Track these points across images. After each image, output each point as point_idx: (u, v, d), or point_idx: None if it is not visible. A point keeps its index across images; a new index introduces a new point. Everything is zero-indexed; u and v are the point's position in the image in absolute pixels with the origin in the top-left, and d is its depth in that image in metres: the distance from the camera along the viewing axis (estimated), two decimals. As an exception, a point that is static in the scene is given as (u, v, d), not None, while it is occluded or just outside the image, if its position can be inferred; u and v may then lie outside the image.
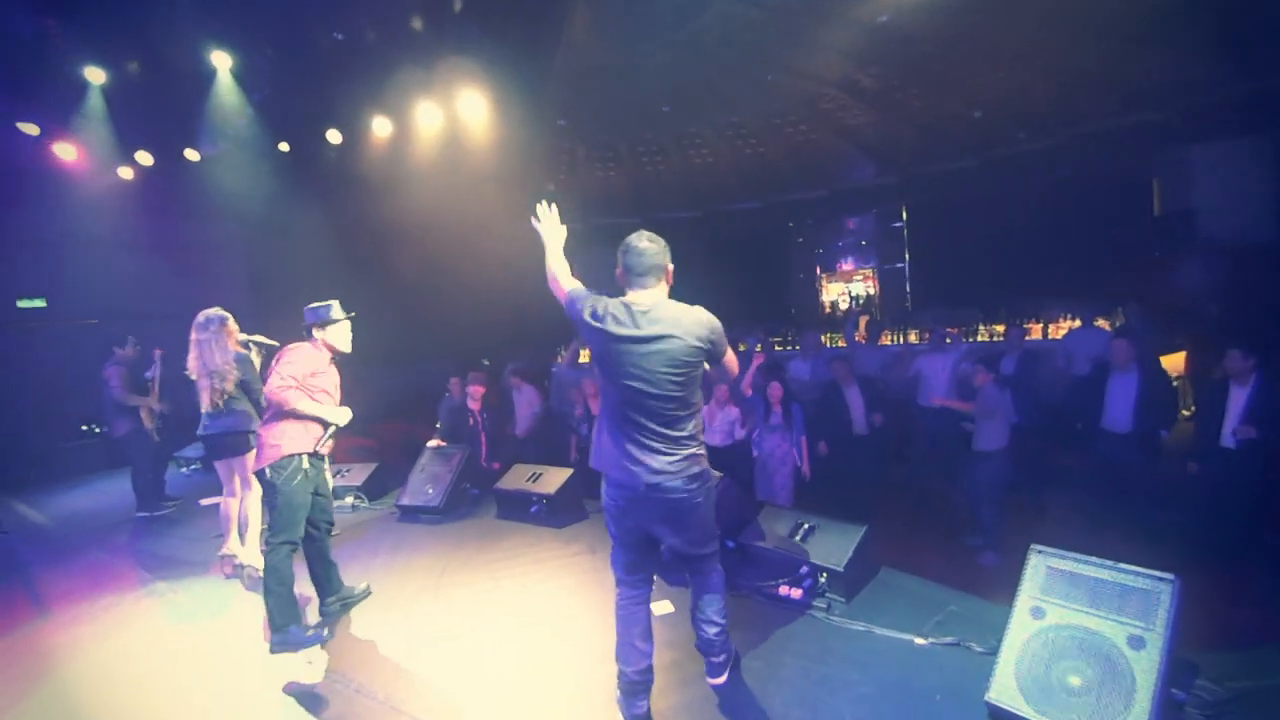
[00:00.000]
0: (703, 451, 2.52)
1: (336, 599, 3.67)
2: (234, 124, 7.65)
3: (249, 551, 4.24)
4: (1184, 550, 3.30)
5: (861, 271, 15.84)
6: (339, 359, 3.65)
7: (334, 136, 8.48)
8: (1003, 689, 2.36)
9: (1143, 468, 4.61)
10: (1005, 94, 8.89)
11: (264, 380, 3.60)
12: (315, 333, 3.52)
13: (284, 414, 3.34)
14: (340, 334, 3.57)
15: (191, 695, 2.97)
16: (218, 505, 4.49)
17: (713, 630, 2.61)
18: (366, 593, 3.83)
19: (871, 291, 15.50)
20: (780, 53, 8.17)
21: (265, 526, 3.43)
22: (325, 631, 3.33)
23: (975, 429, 4.96)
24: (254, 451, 4.13)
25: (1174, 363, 7.71)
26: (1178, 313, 7.57)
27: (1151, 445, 4.70)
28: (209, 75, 7.00)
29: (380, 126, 8.32)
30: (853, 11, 6.80)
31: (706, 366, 2.50)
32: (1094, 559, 2.45)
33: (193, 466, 7.58)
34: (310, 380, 3.45)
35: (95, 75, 6.75)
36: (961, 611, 3.20)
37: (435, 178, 9.06)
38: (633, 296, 2.42)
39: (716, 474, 2.71)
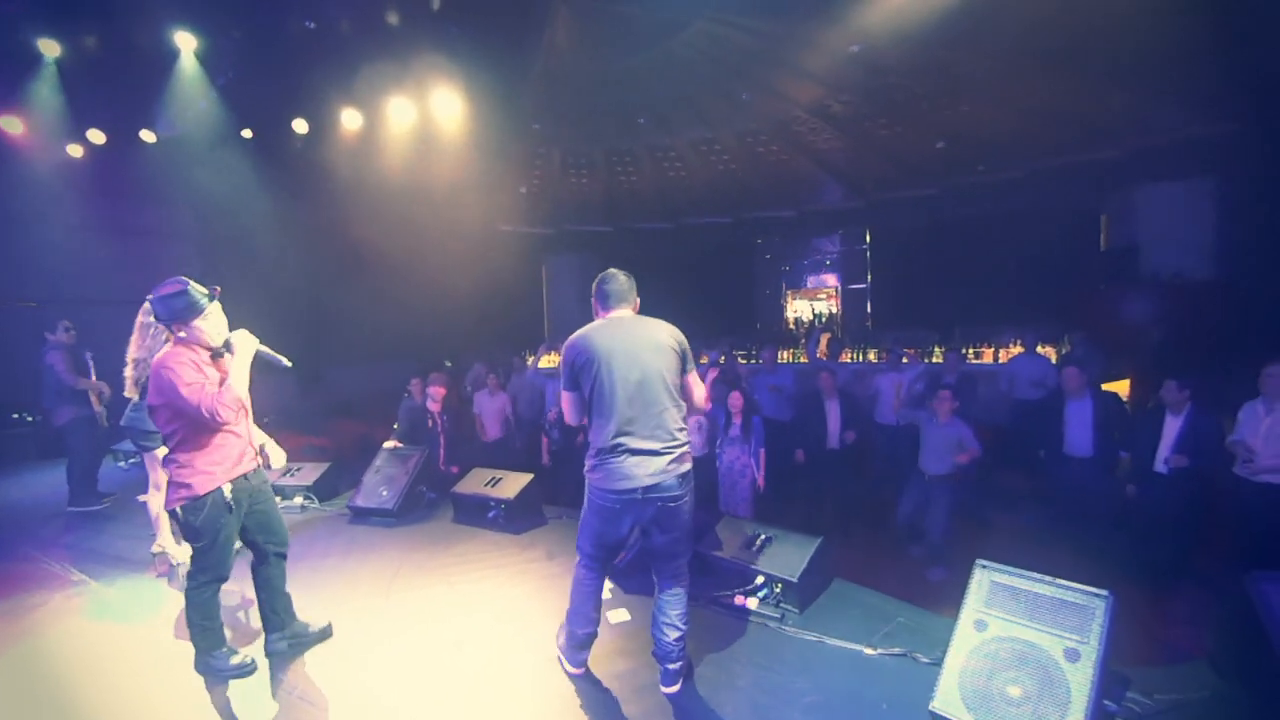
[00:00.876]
0: (689, 450, 2.68)
1: (285, 636, 3.12)
2: (195, 107, 7.40)
3: (181, 549, 4.07)
4: (1121, 569, 3.46)
5: (825, 290, 16.21)
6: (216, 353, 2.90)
7: (300, 126, 8.28)
8: (947, 699, 2.42)
9: (1104, 489, 4.80)
10: (968, 126, 9.26)
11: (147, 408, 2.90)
12: (179, 331, 2.76)
13: (191, 441, 2.74)
14: (214, 323, 2.83)
15: (119, 696, 2.82)
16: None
17: (673, 635, 2.68)
18: (326, 633, 3.23)
19: (834, 310, 15.86)
20: (756, 73, 8.35)
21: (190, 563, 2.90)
22: (254, 662, 2.97)
23: (926, 449, 5.10)
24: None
25: (1117, 391, 8.09)
26: (1121, 343, 7.96)
27: (1109, 467, 4.91)
28: (172, 55, 6.76)
29: (350, 119, 8.16)
30: (827, 39, 7.00)
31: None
32: (1034, 574, 2.55)
33: (131, 460, 7.23)
34: None
35: (49, 48, 6.46)
36: (909, 623, 3.27)
37: (404, 174, 8.93)
38: (612, 315, 2.70)
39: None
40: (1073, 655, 2.28)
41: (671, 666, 2.70)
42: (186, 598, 2.86)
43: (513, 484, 5.00)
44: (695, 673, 2.88)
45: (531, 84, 7.82)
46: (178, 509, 2.76)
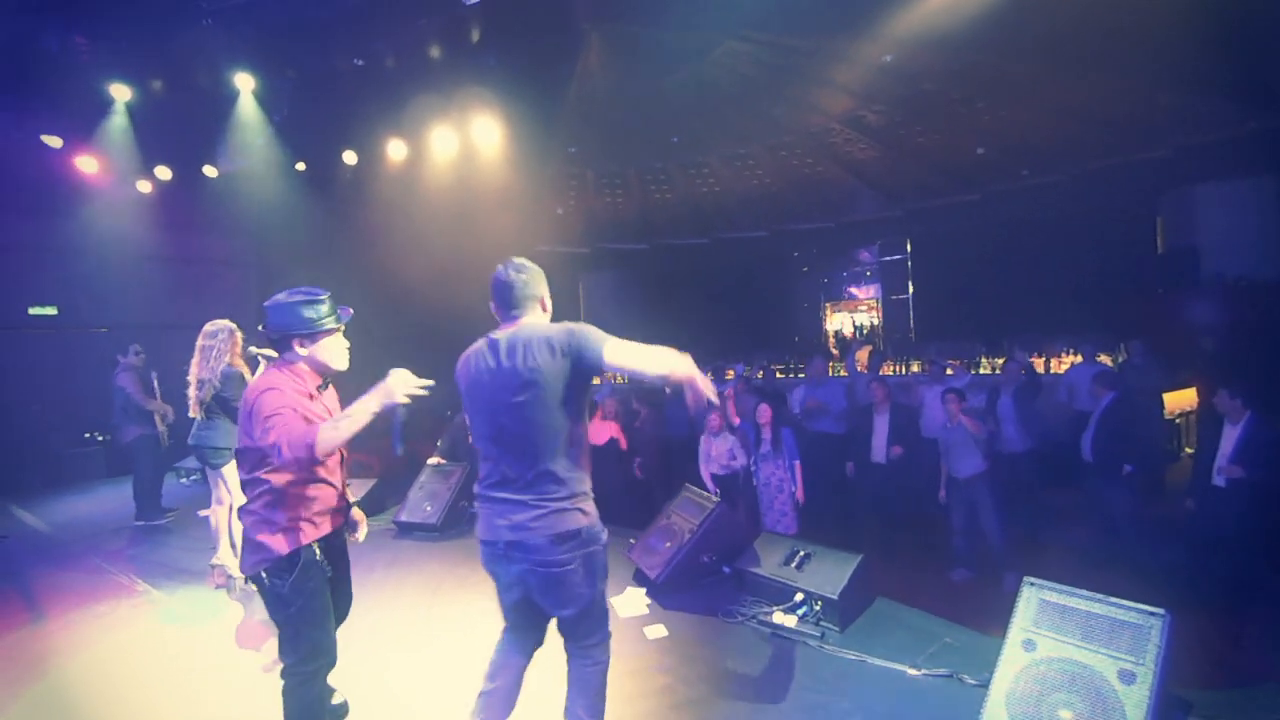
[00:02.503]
0: (579, 505, 2.06)
1: None
2: (253, 143, 7.84)
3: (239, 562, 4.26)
4: (1180, 588, 3.29)
5: (866, 302, 15.94)
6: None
7: (350, 158, 8.67)
8: (994, 722, 2.34)
9: (1113, 502, 4.60)
10: (1009, 131, 9.06)
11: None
12: (297, 348, 2.31)
13: (278, 488, 2.26)
14: (341, 348, 2.43)
15: (178, 701, 2.96)
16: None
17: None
18: (344, 709, 2.76)
19: (875, 321, 15.57)
20: (787, 88, 8.37)
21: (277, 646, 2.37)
22: None
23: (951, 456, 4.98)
24: (231, 465, 4.13)
25: (1182, 400, 7.71)
26: (1181, 349, 7.59)
27: (1114, 478, 4.70)
28: (232, 96, 7.21)
29: (395, 149, 8.51)
30: (858, 50, 6.97)
31: (597, 381, 2.21)
32: (1086, 592, 2.45)
33: (193, 477, 7.60)
34: None
35: (120, 92, 6.96)
36: (956, 644, 3.17)
37: (446, 200, 9.23)
38: (497, 332, 2.13)
39: (598, 536, 2.12)
40: (1127, 677, 2.18)
41: None
42: (286, 696, 2.31)
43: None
44: (732, 691, 2.86)
45: (566, 109, 8.02)
46: (262, 573, 2.25)
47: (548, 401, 1.96)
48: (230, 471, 4.18)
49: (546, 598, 2.09)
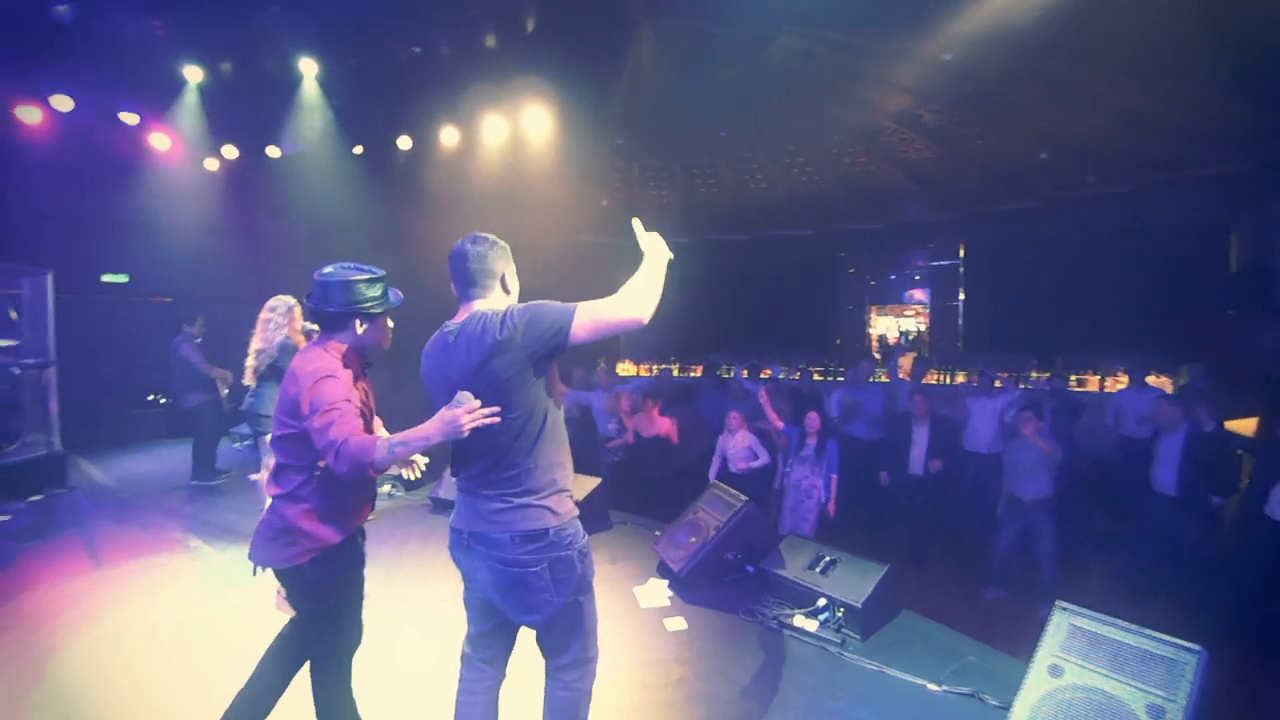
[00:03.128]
0: (547, 503, 1.87)
1: None
2: (314, 126, 8.12)
3: None
4: (1225, 625, 3.14)
5: (914, 307, 15.53)
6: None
7: (404, 143, 8.90)
8: (1013, 745, 2.30)
9: (1190, 534, 4.39)
10: (1074, 136, 8.66)
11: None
12: (356, 328, 2.14)
13: (327, 476, 2.06)
14: (386, 330, 2.29)
15: (220, 653, 3.13)
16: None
17: None
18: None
19: (922, 328, 15.16)
20: (842, 85, 8.18)
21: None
22: None
23: (1017, 477, 4.83)
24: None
25: (1244, 428, 7.29)
26: (1249, 375, 7.17)
27: (1202, 511, 4.47)
28: (296, 80, 7.48)
29: (448, 136, 8.69)
30: (917, 48, 6.77)
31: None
32: (1120, 622, 2.38)
33: (245, 442, 7.98)
34: None
35: (193, 74, 7.30)
36: (981, 663, 3.11)
37: (495, 188, 9.38)
38: (451, 322, 1.97)
39: (578, 542, 1.95)
40: (1156, 712, 2.11)
41: None
42: (317, 697, 2.27)
43: (581, 487, 5.14)
44: (748, 689, 2.87)
45: (615, 101, 8.04)
46: (304, 564, 2.08)
47: (506, 388, 1.79)
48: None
49: (507, 599, 1.92)
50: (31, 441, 6.39)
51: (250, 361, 4.40)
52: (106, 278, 8.98)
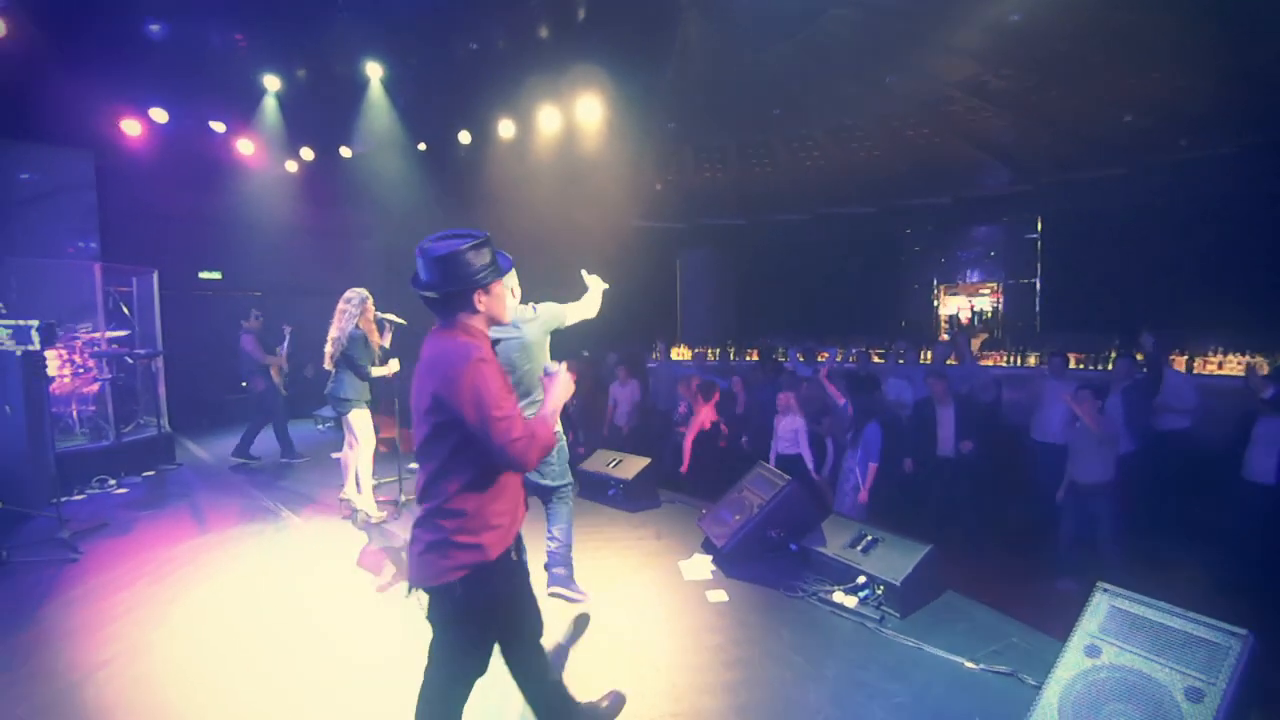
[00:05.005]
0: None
1: None
2: (381, 126, 8.60)
3: (363, 498, 4.90)
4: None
5: (987, 285, 14.79)
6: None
7: (464, 137, 9.25)
8: (1044, 720, 2.30)
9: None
10: (1162, 96, 8.01)
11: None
12: (477, 303, 1.89)
13: (481, 479, 1.84)
14: (505, 298, 2.00)
15: (307, 609, 3.50)
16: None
17: (552, 545, 3.41)
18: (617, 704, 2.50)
19: (996, 307, 14.43)
20: (900, 55, 7.88)
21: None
22: None
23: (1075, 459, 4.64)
24: (356, 413, 4.75)
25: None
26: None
27: None
28: (363, 83, 7.94)
29: (505, 128, 8.97)
30: (980, 12, 6.45)
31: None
32: (1162, 604, 2.31)
33: (328, 424, 8.62)
34: None
35: (271, 82, 7.86)
36: (1023, 645, 3.07)
37: (551, 176, 9.62)
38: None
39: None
40: (1194, 694, 2.06)
41: (555, 570, 3.35)
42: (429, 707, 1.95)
43: (632, 466, 5.31)
44: (783, 657, 2.96)
45: (666, 84, 8.05)
46: (456, 581, 1.81)
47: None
48: (356, 418, 4.80)
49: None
50: (144, 424, 7.17)
51: (329, 348, 4.80)
52: (203, 274, 9.84)
